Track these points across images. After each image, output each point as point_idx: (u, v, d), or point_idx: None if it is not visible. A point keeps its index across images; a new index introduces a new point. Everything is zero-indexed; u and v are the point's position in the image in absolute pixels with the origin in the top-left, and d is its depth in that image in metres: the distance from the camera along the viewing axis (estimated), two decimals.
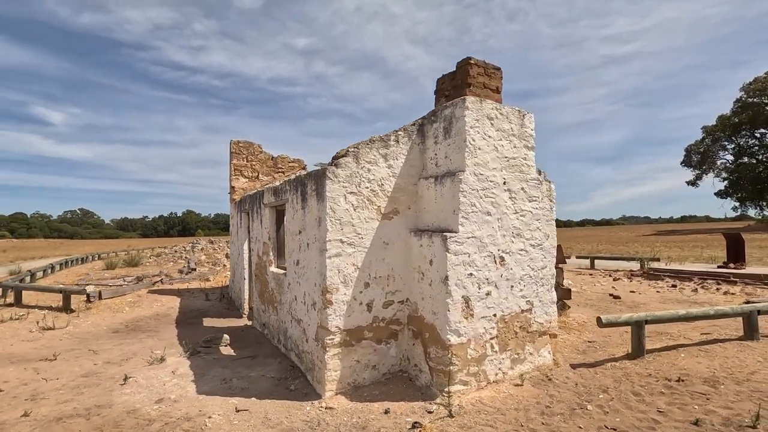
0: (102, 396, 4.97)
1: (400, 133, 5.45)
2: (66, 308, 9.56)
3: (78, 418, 4.40)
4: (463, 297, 4.77)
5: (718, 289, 9.90)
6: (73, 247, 47.08)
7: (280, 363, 6.06)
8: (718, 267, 12.49)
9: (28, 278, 13.25)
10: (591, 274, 13.84)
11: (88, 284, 12.12)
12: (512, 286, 5.17)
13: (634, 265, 15.18)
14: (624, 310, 8.28)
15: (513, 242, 5.20)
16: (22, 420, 4.38)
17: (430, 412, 4.36)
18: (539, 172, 6.44)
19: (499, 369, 5.02)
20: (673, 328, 6.56)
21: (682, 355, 5.42)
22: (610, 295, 9.60)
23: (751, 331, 5.68)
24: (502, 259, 5.10)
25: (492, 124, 5.11)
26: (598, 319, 5.48)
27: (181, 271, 15.81)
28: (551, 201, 6.47)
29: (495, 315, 5.01)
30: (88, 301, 10.10)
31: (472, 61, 5.28)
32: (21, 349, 7.00)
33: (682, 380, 4.69)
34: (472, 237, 4.86)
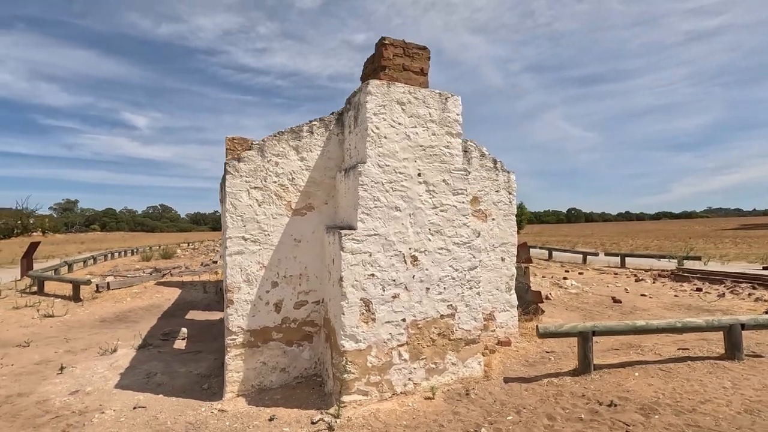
0: (31, 385, 5.23)
1: (315, 123, 5.13)
2: (75, 297, 10.35)
3: None
4: (362, 300, 4.38)
5: (750, 294, 8.44)
6: (141, 240, 51.56)
7: (216, 360, 6.03)
8: (764, 268, 10.68)
9: (65, 268, 14.62)
10: (615, 274, 12.49)
11: (109, 275, 13.06)
12: (428, 289, 4.68)
13: (670, 264, 13.48)
14: (614, 316, 7.31)
15: (430, 240, 4.70)
16: None
17: (313, 423, 4.06)
18: (495, 162, 5.82)
19: (409, 379, 4.57)
20: (651, 340, 5.64)
21: (637, 374, 4.60)
22: (612, 298, 8.53)
23: (732, 349, 4.67)
24: (415, 258, 4.62)
25: (403, 109, 4.63)
26: (537, 329, 4.81)
27: (203, 264, 16.58)
28: (510, 193, 5.84)
29: (404, 320, 4.56)
30: (97, 291, 10.85)
31: (386, 41, 4.83)
32: (11, 335, 7.63)
33: (615, 405, 3.96)
34: (375, 234, 4.45)
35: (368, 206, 4.44)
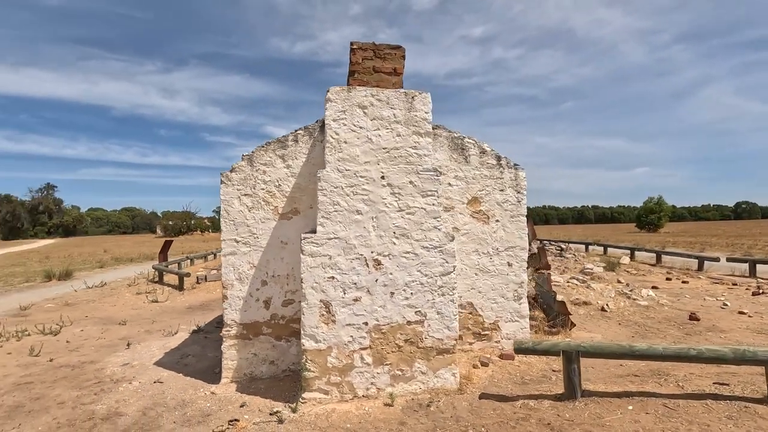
0: (102, 356, 6.57)
1: (299, 132, 5.41)
2: (179, 287, 12.45)
3: (67, 368, 5.99)
4: (321, 301, 4.53)
5: None
6: None
7: None
8: None
9: (186, 262, 17.60)
10: (733, 285, 10.10)
11: (215, 269, 15.34)
12: (392, 293, 4.59)
13: None
14: (674, 336, 6.04)
15: (395, 244, 4.60)
16: (34, 361, 6.21)
17: (271, 414, 4.36)
18: (498, 158, 5.45)
19: (372, 384, 4.55)
20: (687, 370, 4.56)
21: (630, 407, 3.82)
22: (690, 315, 6.99)
23: None
24: (378, 262, 4.58)
25: (365, 113, 4.63)
26: (514, 344, 4.34)
27: None
28: (518, 192, 5.42)
29: (366, 323, 4.56)
30: (197, 282, 12.87)
31: (354, 46, 4.87)
32: (120, 314, 9.60)
33: None
34: (335, 238, 4.55)
35: (327, 210, 4.55)
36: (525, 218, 5.66)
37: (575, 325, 6.29)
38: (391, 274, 4.60)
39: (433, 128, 5.55)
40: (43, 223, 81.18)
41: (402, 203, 4.63)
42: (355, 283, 4.56)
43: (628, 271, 12.59)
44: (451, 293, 4.66)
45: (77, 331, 8.14)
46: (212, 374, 5.65)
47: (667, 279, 11.21)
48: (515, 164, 5.69)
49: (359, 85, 4.81)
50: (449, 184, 5.59)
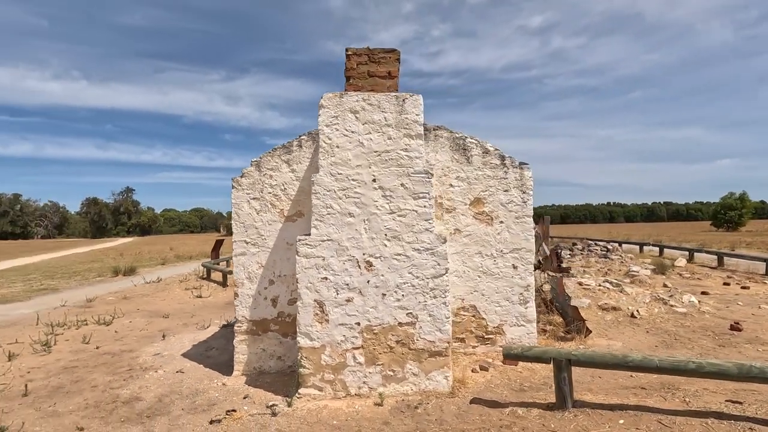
0: (140, 346, 7.23)
1: (303, 137, 5.62)
2: (223, 284, 13.28)
3: (108, 356, 6.67)
4: (315, 301, 4.70)
5: None
6: None
7: None
8: None
9: None
10: None
11: None
12: (384, 295, 4.65)
13: None
14: (706, 347, 5.52)
15: (386, 246, 4.66)
16: (83, 348, 6.96)
17: (268, 407, 4.60)
18: (502, 158, 5.37)
19: (364, 383, 4.64)
20: (699, 385, 4.17)
21: (622, 421, 3.59)
22: (732, 324, 6.31)
23: None
24: (370, 264, 4.67)
25: (357, 117, 4.73)
26: (504, 349, 4.24)
27: None
28: (523, 192, 5.31)
29: (359, 324, 4.66)
30: None
31: (349, 52, 4.99)
32: (166, 308, 10.45)
33: None
34: (328, 240, 4.70)
35: (321, 213, 4.71)
36: (531, 219, 5.46)
37: (591, 331, 5.95)
38: (382, 275, 4.66)
39: (433, 129, 5.55)
40: (123, 223, 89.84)
41: (393, 205, 4.67)
42: (347, 284, 4.68)
43: (681, 275, 11.58)
44: (442, 296, 4.64)
45: (126, 322, 9.00)
46: (229, 367, 6.01)
47: (725, 284, 10.17)
48: (521, 163, 5.50)
49: (355, 90, 4.91)
50: (451, 185, 5.53)
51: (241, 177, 5.67)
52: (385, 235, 4.67)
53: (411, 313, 4.64)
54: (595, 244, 15.81)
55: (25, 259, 28.91)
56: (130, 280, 15.12)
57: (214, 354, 6.61)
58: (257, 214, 5.63)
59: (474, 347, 5.49)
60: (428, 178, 4.67)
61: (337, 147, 4.72)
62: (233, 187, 5.67)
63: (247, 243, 5.63)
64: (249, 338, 5.63)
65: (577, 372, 4.24)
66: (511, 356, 4.16)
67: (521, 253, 5.47)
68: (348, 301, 4.67)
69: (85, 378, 5.66)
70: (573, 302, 7.42)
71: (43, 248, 42.01)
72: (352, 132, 4.72)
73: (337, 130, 4.73)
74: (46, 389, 5.29)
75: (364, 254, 4.68)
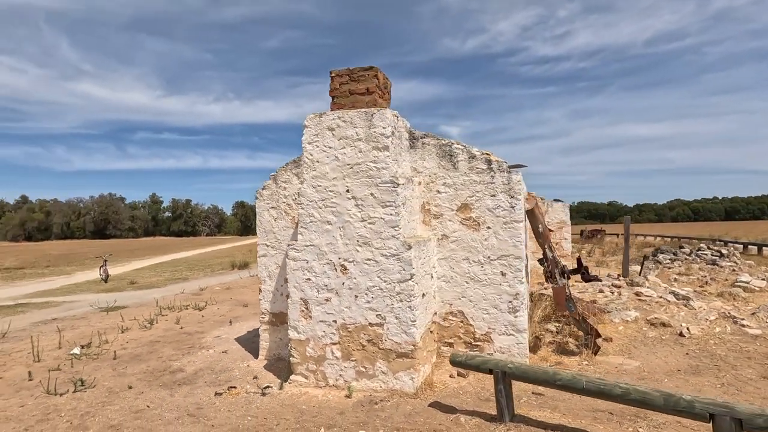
0: (211, 329, 8.73)
1: None
2: None
3: (184, 335, 8.27)
4: (301, 299, 5.32)
5: None
6: None
7: None
8: None
9: None
10: None
11: None
12: (356, 296, 5.04)
13: None
14: (749, 380, 4.56)
15: (358, 251, 5.04)
16: (172, 327, 8.69)
17: (262, 388, 5.37)
18: (488, 162, 5.42)
19: (340, 375, 5.10)
20: (674, 417, 3.58)
21: None
22: None
23: None
24: (344, 267, 5.10)
25: (333, 134, 5.19)
26: (451, 356, 4.28)
27: None
28: (511, 197, 5.31)
29: (335, 321, 5.13)
30: None
31: (333, 74, 5.48)
32: (250, 299, 12.18)
33: None
34: (311, 245, 5.27)
35: (305, 221, 5.30)
36: (520, 225, 5.20)
37: (599, 347, 5.34)
38: (355, 278, 5.05)
39: (420, 137, 5.71)
40: None
41: (364, 214, 5.02)
42: (326, 285, 5.18)
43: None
44: (408, 300, 4.82)
45: (215, 309, 10.86)
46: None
47: None
48: (509, 167, 5.28)
49: (339, 108, 5.38)
50: (438, 191, 5.60)
51: (263, 189, 6.58)
52: (357, 241, 5.04)
53: (380, 314, 4.94)
54: (708, 247, 13.23)
55: (183, 253, 35.76)
56: (239, 274, 17.83)
57: (257, 340, 7.71)
58: (275, 221, 6.48)
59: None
60: (394, 187, 4.90)
61: (317, 162, 5.25)
62: (256, 198, 6.61)
63: (267, 246, 6.52)
64: (270, 328, 6.51)
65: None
66: (456, 363, 4.18)
67: (509, 260, 5.26)
68: (327, 300, 5.18)
69: (158, 350, 7.22)
70: (619, 315, 6.71)
71: (200, 245, 51.13)
72: (330, 147, 5.20)
73: (317, 146, 5.25)
74: (129, 356, 6.92)
75: (339, 258, 5.12)
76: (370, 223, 4.99)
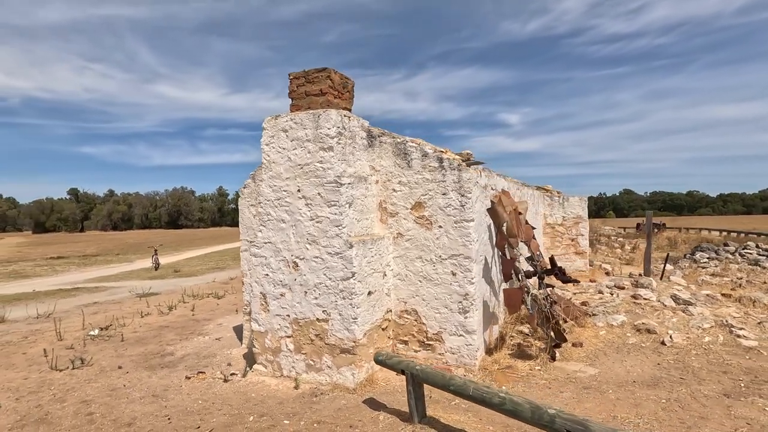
0: (217, 317, 9.38)
1: None
2: None
3: (192, 321, 8.96)
4: (261, 293, 5.61)
5: None
6: None
7: None
8: None
9: None
10: None
11: None
12: (306, 292, 5.22)
13: None
14: (716, 396, 4.13)
15: (308, 249, 5.21)
16: (184, 314, 9.43)
17: (226, 375, 5.75)
18: (440, 161, 5.42)
19: (293, 367, 5.33)
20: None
21: None
22: None
23: None
24: (296, 264, 5.30)
25: (287, 135, 5.38)
26: (375, 354, 4.33)
27: None
28: (462, 195, 5.29)
29: (289, 316, 5.37)
30: None
31: (291, 76, 5.65)
32: None
33: None
34: (269, 242, 5.53)
35: (264, 220, 5.56)
36: (471, 224, 5.05)
37: (555, 353, 5.05)
38: (305, 275, 5.23)
39: (378, 135, 5.72)
40: None
41: (312, 213, 5.17)
42: (281, 281, 5.42)
43: None
44: (350, 297, 4.92)
45: (232, 298, 11.60)
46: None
47: None
48: (459, 165, 5.14)
49: (297, 110, 5.55)
50: (394, 189, 5.58)
51: (244, 188, 6.94)
52: (307, 239, 5.21)
53: (326, 311, 5.08)
54: (757, 245, 11.71)
55: (237, 243, 38.08)
56: None
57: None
58: (254, 218, 6.82)
59: (416, 351, 5.47)
60: (338, 186, 4.99)
61: (273, 162, 5.46)
62: (239, 196, 6.99)
63: (248, 242, 6.89)
64: (250, 319, 6.90)
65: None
66: (378, 362, 4.22)
67: (459, 259, 5.14)
68: (282, 295, 5.41)
69: (162, 335, 7.93)
70: (605, 319, 6.34)
71: None
72: (283, 149, 5.39)
73: (274, 147, 5.46)
74: (135, 339, 7.68)
75: (292, 255, 5.32)
76: (317, 222, 5.13)
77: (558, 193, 10.99)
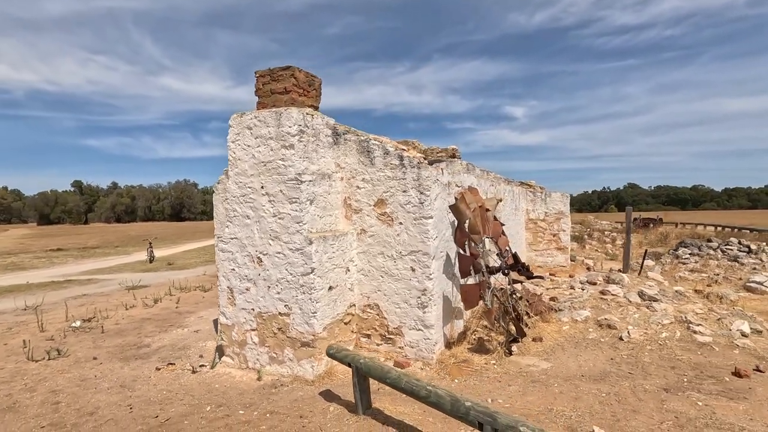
0: (200, 310, 9.55)
1: None
2: None
3: (174, 314, 9.13)
4: (228, 287, 5.74)
5: None
6: None
7: None
8: None
9: None
10: None
11: None
12: (269, 287, 5.35)
13: None
14: (655, 391, 4.24)
15: (270, 245, 5.33)
16: (169, 307, 9.60)
17: (194, 367, 5.90)
18: (401, 158, 5.50)
19: (257, 360, 5.48)
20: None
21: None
22: (737, 370, 4.43)
23: None
24: (260, 259, 5.42)
25: (251, 132, 5.47)
26: (328, 348, 4.46)
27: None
28: (421, 192, 5.39)
29: (254, 309, 5.50)
30: None
31: (257, 74, 5.73)
32: None
33: None
34: (235, 238, 5.65)
35: (230, 216, 5.68)
36: (430, 221, 5.15)
37: (512, 349, 5.16)
38: (268, 270, 5.35)
39: (343, 133, 5.81)
40: None
41: (275, 209, 5.28)
42: (246, 276, 5.54)
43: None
44: (309, 292, 5.04)
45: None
46: None
47: None
48: (418, 162, 5.22)
49: (263, 107, 5.64)
50: (358, 187, 5.68)
51: (218, 183, 7.04)
52: (270, 235, 5.32)
53: (287, 305, 5.21)
54: (739, 241, 11.72)
55: None
56: None
57: None
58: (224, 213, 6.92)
59: (378, 345, 5.59)
60: (298, 184, 5.09)
61: (239, 159, 5.57)
62: (213, 191, 7.10)
63: (218, 237, 7.01)
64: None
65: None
66: (329, 355, 4.35)
67: (418, 255, 5.25)
68: (247, 290, 5.54)
69: (142, 327, 8.09)
70: (570, 314, 6.44)
71: None
72: (248, 146, 5.48)
73: (239, 145, 5.56)
74: (115, 331, 7.85)
75: (256, 251, 5.44)
76: (279, 219, 5.24)
77: (541, 188, 11.04)
